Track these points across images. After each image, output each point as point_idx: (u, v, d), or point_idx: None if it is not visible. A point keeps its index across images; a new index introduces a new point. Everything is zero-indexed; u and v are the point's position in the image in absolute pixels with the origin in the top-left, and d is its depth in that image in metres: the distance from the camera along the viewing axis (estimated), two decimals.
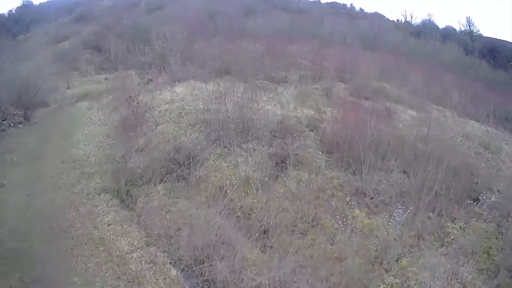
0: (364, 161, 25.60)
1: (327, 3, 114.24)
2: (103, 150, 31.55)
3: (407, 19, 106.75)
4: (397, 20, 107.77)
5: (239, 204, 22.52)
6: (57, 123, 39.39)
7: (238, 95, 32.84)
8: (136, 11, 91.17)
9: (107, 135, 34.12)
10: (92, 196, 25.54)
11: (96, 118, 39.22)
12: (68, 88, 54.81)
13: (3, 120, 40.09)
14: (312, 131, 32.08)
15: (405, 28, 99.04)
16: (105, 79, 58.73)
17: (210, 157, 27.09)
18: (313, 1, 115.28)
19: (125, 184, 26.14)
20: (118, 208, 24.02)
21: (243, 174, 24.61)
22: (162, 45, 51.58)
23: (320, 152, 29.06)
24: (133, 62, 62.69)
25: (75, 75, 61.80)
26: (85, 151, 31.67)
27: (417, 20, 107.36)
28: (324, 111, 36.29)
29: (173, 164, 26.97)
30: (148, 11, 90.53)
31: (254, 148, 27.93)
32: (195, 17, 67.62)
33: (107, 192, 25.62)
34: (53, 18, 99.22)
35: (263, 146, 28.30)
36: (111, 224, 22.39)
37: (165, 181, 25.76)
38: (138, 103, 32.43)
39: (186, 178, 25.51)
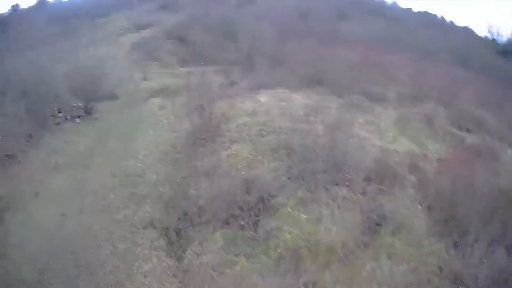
0: (468, 229, 22.09)
1: (419, 12, 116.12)
2: (164, 166, 28.99)
3: (494, 36, 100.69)
4: (485, 36, 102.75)
5: (314, 279, 19.33)
6: (121, 121, 38.21)
7: (332, 112, 30.68)
8: (226, 3, 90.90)
9: (173, 146, 31.68)
10: (136, 229, 23.21)
11: (165, 121, 37.65)
12: (144, 79, 54.20)
13: (58, 112, 39.79)
14: (413, 174, 28.13)
15: (492, 45, 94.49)
16: (188, 73, 58.33)
17: (288, 202, 23.70)
18: (405, 8, 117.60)
19: (179, 219, 23.69)
20: (163, 253, 21.59)
21: (325, 237, 21.38)
22: (249, 44, 50.73)
23: (420, 207, 24.95)
24: (219, 58, 64.11)
25: (155, 66, 62.25)
26: (143, 164, 29.37)
27: (503, 37, 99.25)
28: (426, 146, 32.95)
29: (241, 205, 23.68)
30: (239, 5, 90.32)
31: (344, 197, 24.18)
32: (286, 16, 66.97)
33: (155, 228, 23.23)
34: (135, 3, 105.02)
35: (355, 194, 24.69)
36: (149, 276, 20.10)
37: (226, 227, 22.87)
38: (211, 113, 30.56)
39: (253, 229, 22.62)
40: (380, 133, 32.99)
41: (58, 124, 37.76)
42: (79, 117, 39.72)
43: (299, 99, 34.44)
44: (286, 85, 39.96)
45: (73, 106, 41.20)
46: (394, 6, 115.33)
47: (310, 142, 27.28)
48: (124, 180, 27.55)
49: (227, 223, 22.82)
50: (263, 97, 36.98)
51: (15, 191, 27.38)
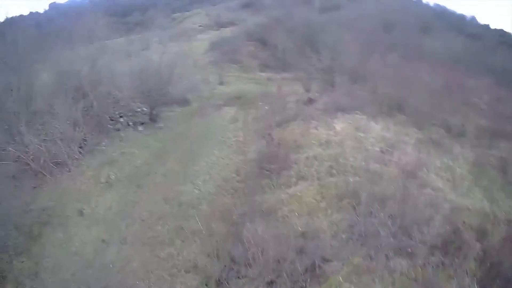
0: None
1: (495, 29, 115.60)
2: (222, 196, 26.87)
3: None
4: None
5: None
6: (186, 134, 36.85)
7: (408, 150, 28.96)
8: (310, 6, 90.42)
9: (237, 172, 29.51)
10: (178, 271, 21.20)
11: (234, 139, 35.63)
12: (220, 83, 54.35)
13: (120, 117, 38.76)
14: (479, 241, 23.89)
15: None
16: (267, 79, 58.29)
17: (342, 269, 20.36)
18: (483, 25, 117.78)
19: (224, 267, 21.37)
20: None
21: None
22: (331, 55, 49.21)
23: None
24: (300, 65, 62.41)
25: (233, 69, 62.11)
26: (200, 192, 27.25)
27: None
28: (498, 201, 28.77)
29: (290, 269, 20.43)
30: (323, 10, 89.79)
31: (401, 272, 20.27)
32: (370, 27, 65.30)
33: (197, 274, 21.01)
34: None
35: (415, 268, 20.78)
36: None
37: None
38: (282, 138, 28.70)
39: None
40: (455, 182, 29.13)
41: (118, 130, 36.88)
42: (142, 124, 38.86)
43: (376, 130, 31.82)
44: (365, 109, 37.60)
45: (137, 111, 40.43)
46: (473, 22, 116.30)
47: (380, 191, 24.27)
48: (176, 210, 25.52)
49: (270, 284, 20.26)
50: (339, 124, 34.19)
51: (59, 204, 26.52)
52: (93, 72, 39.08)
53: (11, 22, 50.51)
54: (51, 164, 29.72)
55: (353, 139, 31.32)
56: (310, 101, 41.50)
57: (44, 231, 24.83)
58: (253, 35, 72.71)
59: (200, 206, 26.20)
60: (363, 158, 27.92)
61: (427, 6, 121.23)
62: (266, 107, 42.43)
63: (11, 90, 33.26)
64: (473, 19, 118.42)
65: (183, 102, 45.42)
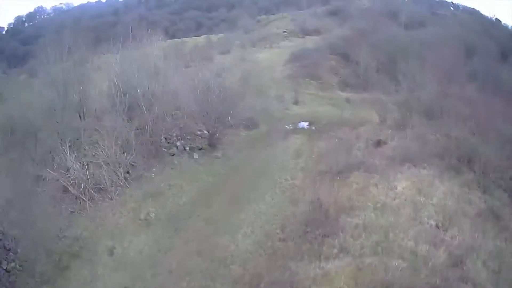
0: None
1: None
2: (258, 257, 23.82)
3: None
4: None
5: None
6: (243, 168, 34.28)
7: (466, 226, 24.93)
8: (395, 21, 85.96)
9: (282, 229, 26.12)
10: None
11: (291, 182, 32.00)
12: (295, 102, 52.02)
13: (177, 140, 36.43)
14: None
15: None
16: (347, 101, 55.06)
17: None
18: None
19: None
20: None
21: None
22: (409, 87, 45.48)
23: None
24: (379, 87, 57.97)
25: (312, 85, 59.32)
26: (236, 248, 24.52)
27: None
28: None
29: None
30: (408, 25, 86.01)
31: None
32: (452, 52, 58.95)
33: None
34: (305, 4, 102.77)
35: None
36: None
37: None
38: (328, 210, 25.16)
39: None
40: (500, 275, 24.07)
41: (173, 155, 34.79)
42: (200, 149, 36.63)
43: (439, 193, 27.76)
44: (434, 162, 33.03)
45: (197, 134, 38.17)
46: None
47: (418, 283, 20.27)
48: (206, 266, 22.59)
49: None
50: (402, 183, 29.18)
51: (94, 236, 25.19)
52: (152, 86, 36.49)
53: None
54: (92, 191, 28.31)
55: (411, 205, 26.67)
56: (380, 144, 37.22)
57: (72, 264, 23.55)
58: (336, 49, 69.05)
59: (232, 265, 23.32)
60: (415, 234, 23.71)
61: (505, 28, 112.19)
62: (336, 140, 39.41)
63: (55, 110, 32.07)
64: None
65: (251, 124, 43.65)
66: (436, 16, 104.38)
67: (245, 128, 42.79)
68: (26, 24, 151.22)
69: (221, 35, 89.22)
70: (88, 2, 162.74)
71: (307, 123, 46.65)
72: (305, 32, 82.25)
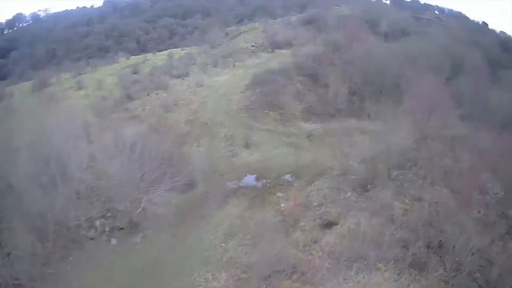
0: None
1: None
2: None
3: None
4: None
5: None
6: (162, 259, 28.43)
7: None
8: (376, 31, 77.11)
9: None
10: None
11: (212, 285, 25.73)
12: (246, 146, 44.24)
13: (96, 219, 30.74)
14: None
15: None
16: (308, 137, 47.54)
17: None
18: None
19: None
20: None
21: None
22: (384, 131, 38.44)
23: None
24: (349, 113, 53.06)
25: (270, 118, 50.74)
26: None
27: None
28: None
29: None
30: (390, 34, 77.84)
31: None
32: (435, 70, 50.90)
33: None
34: (280, 12, 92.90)
35: None
36: None
37: None
38: None
39: None
40: None
41: (92, 239, 29.65)
42: (121, 229, 30.71)
43: None
44: (393, 255, 25.58)
45: (118, 210, 31.43)
46: None
47: None
48: None
49: None
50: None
51: None
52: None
53: None
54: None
55: None
56: (329, 226, 28.81)
57: None
58: (304, 69, 60.45)
59: None
60: None
61: (493, 33, 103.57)
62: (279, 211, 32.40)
63: None
64: None
65: (189, 183, 36.39)
66: (420, 21, 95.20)
67: (180, 191, 35.39)
68: (6, 31, 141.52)
69: (187, 49, 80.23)
70: (65, 9, 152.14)
71: (254, 177, 39.06)
72: (275, 46, 72.94)
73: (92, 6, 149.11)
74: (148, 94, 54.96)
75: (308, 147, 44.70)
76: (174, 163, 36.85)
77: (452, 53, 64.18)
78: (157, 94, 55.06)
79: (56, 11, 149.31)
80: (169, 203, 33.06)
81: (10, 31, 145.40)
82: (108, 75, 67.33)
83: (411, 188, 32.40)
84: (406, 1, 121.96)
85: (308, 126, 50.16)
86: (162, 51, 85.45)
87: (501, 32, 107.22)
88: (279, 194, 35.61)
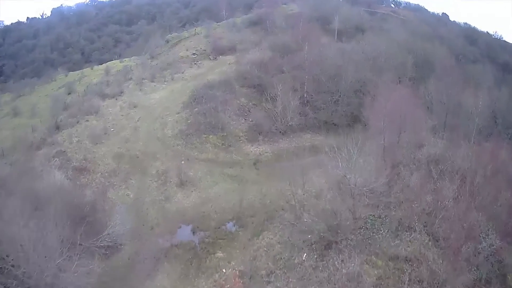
0: None
1: None
2: None
3: None
4: None
5: None
6: None
7: None
8: (327, 30, 69.18)
9: None
10: None
11: None
12: (180, 185, 35.23)
13: None
14: None
15: None
16: (255, 164, 39.36)
17: None
18: None
19: None
20: None
21: None
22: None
23: None
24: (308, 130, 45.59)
25: (209, 144, 41.78)
26: None
27: None
28: None
29: None
30: (343, 32, 69.66)
31: None
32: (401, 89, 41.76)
33: None
34: (225, 14, 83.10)
35: None
36: None
37: None
38: None
39: None
40: None
41: None
42: None
43: None
44: None
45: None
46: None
47: None
48: None
49: None
50: None
51: None
52: None
53: None
54: None
55: None
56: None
57: None
58: (249, 79, 51.28)
59: None
60: None
61: (456, 25, 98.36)
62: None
63: None
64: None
65: (113, 244, 28.12)
66: (375, 16, 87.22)
67: (103, 256, 27.23)
68: None
69: (126, 60, 70.12)
70: (17, 21, 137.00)
71: (189, 229, 30.71)
72: (218, 52, 63.78)
73: (42, 15, 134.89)
74: (78, 122, 45.60)
75: (255, 179, 36.38)
76: (97, 218, 29.14)
77: (414, 50, 56.70)
78: (87, 121, 45.65)
79: (9, 23, 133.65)
80: (88, 273, 23.99)
81: None
82: (45, 96, 58.34)
83: (384, 240, 23.84)
84: None
85: (254, 150, 41.86)
86: (104, 62, 76.19)
87: (465, 23, 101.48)
88: (219, 254, 27.45)
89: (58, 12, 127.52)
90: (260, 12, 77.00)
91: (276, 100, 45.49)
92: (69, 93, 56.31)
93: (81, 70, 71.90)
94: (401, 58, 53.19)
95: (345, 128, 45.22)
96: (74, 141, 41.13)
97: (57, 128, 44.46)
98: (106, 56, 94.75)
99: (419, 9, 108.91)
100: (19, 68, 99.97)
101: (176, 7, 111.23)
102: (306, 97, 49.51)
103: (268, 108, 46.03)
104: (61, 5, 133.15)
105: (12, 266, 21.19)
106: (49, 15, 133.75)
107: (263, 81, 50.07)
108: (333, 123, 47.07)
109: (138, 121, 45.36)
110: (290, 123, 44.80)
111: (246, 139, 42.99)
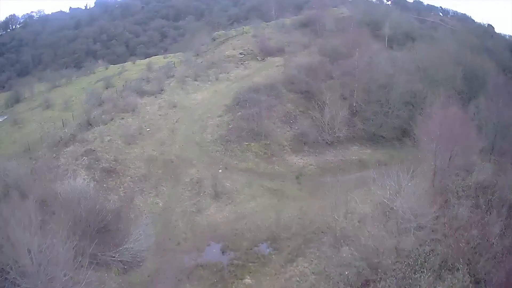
0: None
1: None
2: None
3: None
4: None
5: None
6: None
7: None
8: (378, 36, 65.09)
9: None
10: None
11: None
12: (215, 197, 32.39)
13: None
14: None
15: None
16: (298, 178, 36.23)
17: None
18: None
19: None
20: None
21: None
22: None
23: None
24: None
25: (250, 152, 38.81)
26: None
27: None
28: None
29: None
30: (393, 39, 65.74)
31: None
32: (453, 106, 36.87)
33: None
34: (275, 13, 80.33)
35: None
36: None
37: None
38: None
39: None
40: None
41: None
42: None
43: None
44: None
45: None
46: None
47: None
48: None
49: None
50: None
51: None
52: None
53: None
54: None
55: None
56: None
57: None
58: (297, 84, 47.88)
59: None
60: None
61: (502, 38, 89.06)
62: None
63: None
64: None
65: (133, 260, 25.25)
66: (424, 24, 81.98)
67: (118, 271, 24.59)
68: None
69: (170, 56, 68.12)
70: (59, 11, 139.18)
71: (219, 248, 27.74)
72: (266, 53, 60.69)
73: (86, 6, 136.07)
74: (112, 119, 42.79)
75: (296, 195, 33.30)
76: (120, 227, 26.78)
77: (463, 62, 51.83)
78: (122, 118, 42.99)
79: (50, 12, 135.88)
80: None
81: (2, 33, 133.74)
82: (81, 89, 56.62)
83: (424, 281, 20.41)
84: (409, 1, 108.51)
85: (298, 161, 38.59)
86: (149, 56, 74.84)
87: (510, 36, 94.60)
88: (248, 280, 24.36)
89: (101, 4, 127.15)
90: (310, 14, 73.81)
91: (324, 108, 41.97)
92: (107, 87, 54.19)
93: (122, 64, 70.41)
94: (451, 70, 48.76)
95: (393, 142, 42.36)
96: (106, 140, 38.43)
97: (90, 124, 41.66)
98: (152, 50, 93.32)
99: (465, 19, 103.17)
100: (58, 57, 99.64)
101: (225, 4, 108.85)
102: (355, 106, 45.96)
103: (315, 117, 42.50)
104: None
105: (18, 274, 18.89)
106: (92, 6, 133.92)
107: (311, 87, 46.82)
108: (381, 135, 43.62)
109: (176, 122, 42.89)
110: (337, 135, 41.26)
111: (291, 149, 39.84)
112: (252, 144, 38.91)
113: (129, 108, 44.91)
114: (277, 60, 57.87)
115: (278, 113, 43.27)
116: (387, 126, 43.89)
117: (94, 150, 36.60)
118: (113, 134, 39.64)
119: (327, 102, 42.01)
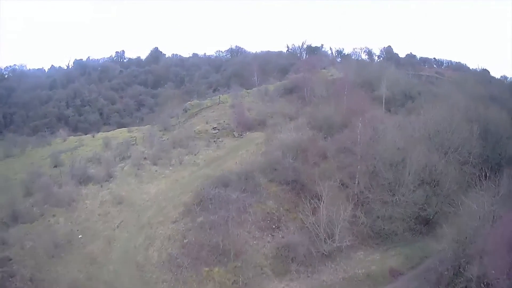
0: None
1: None
2: None
3: None
4: None
5: None
6: None
7: None
8: (373, 96, 54.68)
9: None
10: None
11: None
12: None
13: None
14: None
15: None
16: None
17: None
18: None
19: None
20: None
21: None
22: None
23: None
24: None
25: (212, 281, 26.45)
26: None
27: None
28: None
29: None
30: (391, 100, 55.11)
31: None
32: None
33: None
34: (257, 79, 69.01)
35: None
36: None
37: None
38: None
39: None
40: None
41: None
42: None
43: None
44: None
45: None
46: None
47: None
48: None
49: None
50: None
51: None
52: None
53: None
54: None
55: None
56: None
57: None
58: (280, 171, 35.84)
59: None
60: None
61: (502, 82, 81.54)
62: None
63: None
64: None
65: None
66: (420, 79, 71.81)
67: None
68: None
69: (134, 130, 56.06)
70: (40, 68, 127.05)
71: None
72: (245, 126, 48.90)
73: (68, 66, 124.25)
74: (42, 215, 32.60)
75: None
76: None
77: (475, 117, 41.28)
78: (53, 216, 32.42)
79: (30, 68, 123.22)
80: None
81: None
82: (29, 164, 44.57)
83: None
84: (401, 57, 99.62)
85: None
86: (124, 126, 63.97)
87: (503, 76, 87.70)
88: None
89: (80, 64, 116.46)
90: (296, 78, 63.13)
91: (319, 206, 29.42)
92: (55, 166, 42.61)
93: (80, 137, 57.90)
94: (467, 131, 37.89)
95: (405, 234, 31.56)
96: (27, 247, 27.63)
97: (15, 219, 31.12)
98: (126, 120, 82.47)
99: (461, 68, 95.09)
100: (30, 119, 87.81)
101: (206, 70, 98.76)
102: (358, 197, 33.51)
103: (307, 216, 29.84)
104: (88, 57, 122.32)
105: None
106: (72, 66, 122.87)
107: (299, 174, 34.94)
108: (393, 231, 31.85)
109: (117, 227, 30.43)
110: (338, 244, 28.46)
111: (272, 270, 27.00)
112: (216, 269, 26.25)
113: (64, 202, 33.99)
114: (257, 136, 46.34)
115: (255, 216, 30.73)
116: (399, 218, 32.19)
117: (10, 260, 26.65)
118: (37, 238, 28.64)
119: (323, 198, 29.54)
